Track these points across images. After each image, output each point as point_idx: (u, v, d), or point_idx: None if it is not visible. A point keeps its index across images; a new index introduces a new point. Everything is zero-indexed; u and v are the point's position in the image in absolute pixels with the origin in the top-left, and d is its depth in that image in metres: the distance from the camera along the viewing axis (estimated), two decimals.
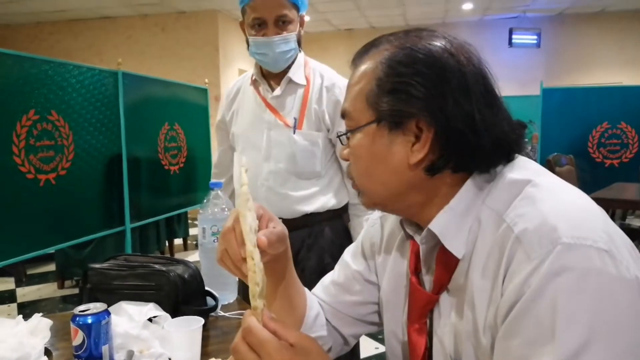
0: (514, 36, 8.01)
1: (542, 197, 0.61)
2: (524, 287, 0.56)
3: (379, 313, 0.90)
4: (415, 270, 0.76)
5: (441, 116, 0.64)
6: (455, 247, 0.66)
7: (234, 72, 8.08)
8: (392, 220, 0.87)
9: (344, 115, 0.74)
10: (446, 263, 0.69)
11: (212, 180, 1.45)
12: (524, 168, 0.68)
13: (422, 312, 0.73)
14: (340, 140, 0.78)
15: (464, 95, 0.65)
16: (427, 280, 0.73)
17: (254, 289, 0.65)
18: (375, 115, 0.69)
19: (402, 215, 0.77)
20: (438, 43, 0.67)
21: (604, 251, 0.55)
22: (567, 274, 0.54)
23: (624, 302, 0.53)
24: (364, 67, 0.71)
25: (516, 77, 7.83)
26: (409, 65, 0.66)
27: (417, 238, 0.74)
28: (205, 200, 1.39)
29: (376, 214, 0.93)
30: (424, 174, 0.68)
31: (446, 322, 0.70)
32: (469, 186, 0.68)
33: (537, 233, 0.58)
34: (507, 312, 0.58)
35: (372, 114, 0.69)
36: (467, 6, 7.72)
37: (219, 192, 1.38)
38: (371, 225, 0.93)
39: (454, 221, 0.67)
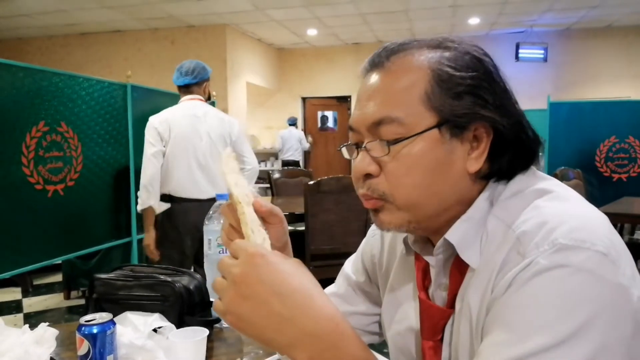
0: (520, 50, 8.03)
1: (549, 204, 0.61)
2: (513, 280, 0.56)
3: (380, 323, 0.89)
4: (424, 287, 0.74)
5: (501, 121, 0.64)
6: (470, 257, 0.64)
7: (242, 85, 8.14)
8: (392, 232, 0.85)
9: (380, 122, 0.64)
10: (461, 273, 0.67)
11: None
12: (541, 179, 0.67)
13: (436, 328, 0.71)
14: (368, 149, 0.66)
15: (510, 100, 0.66)
16: (439, 295, 0.71)
17: (247, 232, 0.62)
18: (436, 120, 0.63)
19: (428, 233, 0.71)
20: (476, 47, 0.68)
21: (602, 254, 0.54)
22: (558, 269, 0.53)
23: (609, 306, 0.52)
24: (407, 66, 0.65)
25: (523, 91, 7.65)
26: (476, 69, 0.64)
27: (425, 254, 0.72)
28: (211, 212, 1.40)
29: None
30: (471, 184, 0.66)
31: (451, 335, 0.69)
32: (485, 195, 0.66)
33: (535, 234, 0.57)
34: (493, 305, 0.58)
35: (432, 118, 0.63)
36: (474, 21, 7.75)
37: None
38: (371, 236, 0.91)
39: (471, 231, 0.65)
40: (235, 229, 0.67)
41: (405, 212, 0.65)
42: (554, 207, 0.60)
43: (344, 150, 0.73)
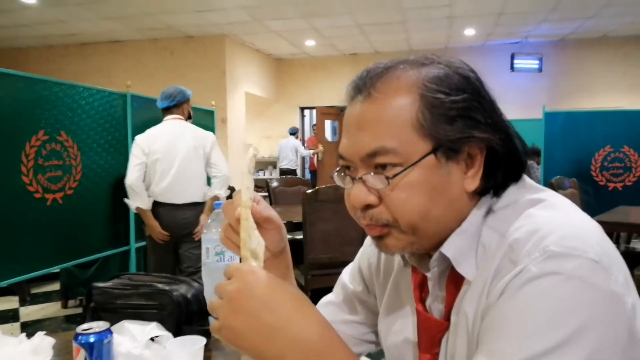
0: (515, 61, 8.06)
1: (541, 212, 0.61)
2: (505, 288, 0.56)
3: (377, 332, 0.88)
4: (421, 299, 0.74)
5: (494, 138, 0.63)
6: (465, 270, 0.64)
7: (241, 95, 8.16)
8: None
9: (375, 154, 0.63)
10: (457, 286, 0.67)
11: None
12: (534, 189, 0.68)
13: (433, 340, 0.70)
14: (365, 180, 0.65)
15: (497, 112, 0.66)
16: (436, 308, 0.71)
17: (244, 237, 0.64)
18: (431, 146, 0.62)
19: (428, 250, 0.70)
20: (461, 64, 0.67)
21: (594, 261, 0.54)
22: (549, 277, 0.53)
23: (601, 314, 0.52)
24: (395, 93, 0.63)
25: (518, 101, 7.86)
26: (465, 89, 0.63)
27: (422, 267, 0.72)
28: (209, 220, 1.40)
29: None
30: (468, 201, 0.66)
31: (449, 347, 0.68)
32: (479, 207, 0.66)
33: (527, 242, 0.57)
34: (487, 313, 0.59)
35: (427, 145, 0.62)
36: (470, 32, 7.80)
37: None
38: (368, 245, 0.90)
39: (466, 244, 0.65)
40: (232, 228, 0.70)
41: (409, 235, 0.65)
42: (546, 216, 0.60)
43: (336, 178, 0.72)
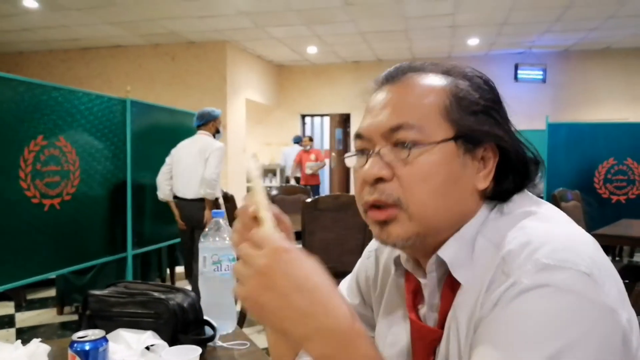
0: (519, 71, 8.11)
1: (535, 224, 0.62)
2: (498, 300, 0.56)
3: None
4: (414, 308, 0.74)
5: (508, 143, 0.67)
6: (462, 276, 0.64)
7: (241, 102, 8.18)
8: (387, 253, 0.85)
9: (398, 128, 0.65)
10: (452, 294, 0.66)
11: None
12: (532, 201, 0.68)
13: (428, 349, 0.70)
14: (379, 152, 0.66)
15: (510, 127, 0.69)
16: (431, 317, 0.70)
17: (261, 200, 0.63)
18: (453, 133, 0.65)
19: (423, 252, 0.70)
20: (484, 75, 0.71)
21: (585, 274, 0.54)
22: (540, 289, 0.54)
23: (593, 326, 0.52)
24: (425, 81, 0.68)
25: (522, 111, 7.87)
26: (490, 92, 0.68)
27: (417, 274, 0.72)
28: (206, 230, 1.39)
29: (372, 245, 0.90)
30: (475, 203, 0.67)
31: (443, 355, 0.67)
32: (479, 215, 0.67)
33: (519, 254, 0.58)
34: (479, 325, 0.59)
35: (450, 130, 0.65)
36: (473, 41, 7.84)
37: (220, 220, 1.38)
38: (366, 258, 0.90)
39: (464, 249, 0.65)
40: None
41: (416, 223, 0.65)
42: (539, 228, 0.61)
43: (348, 160, 0.73)
